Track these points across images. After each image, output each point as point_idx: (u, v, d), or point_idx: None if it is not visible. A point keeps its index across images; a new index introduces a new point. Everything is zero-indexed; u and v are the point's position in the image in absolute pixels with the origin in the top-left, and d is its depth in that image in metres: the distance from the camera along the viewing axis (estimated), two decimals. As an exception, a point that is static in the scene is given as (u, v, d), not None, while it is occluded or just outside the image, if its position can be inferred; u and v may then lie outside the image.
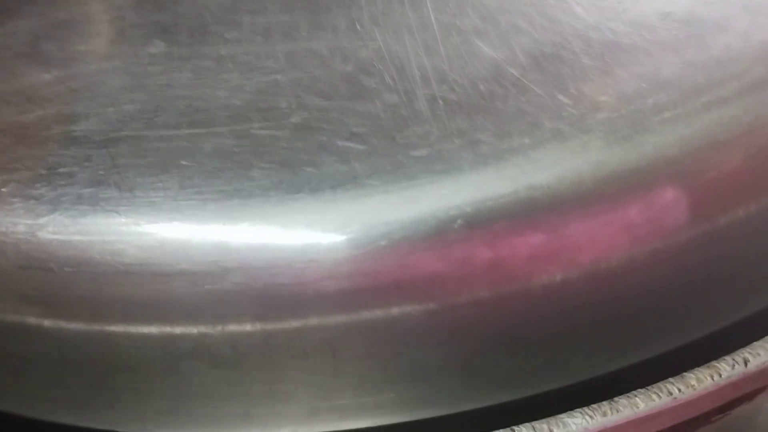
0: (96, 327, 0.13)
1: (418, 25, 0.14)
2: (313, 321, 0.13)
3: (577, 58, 0.14)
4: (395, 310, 0.13)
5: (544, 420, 0.13)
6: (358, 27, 0.14)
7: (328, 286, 0.13)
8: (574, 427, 0.13)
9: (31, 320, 0.13)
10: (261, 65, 0.14)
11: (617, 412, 0.13)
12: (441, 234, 0.12)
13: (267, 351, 0.13)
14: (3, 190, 0.13)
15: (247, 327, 0.13)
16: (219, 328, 0.13)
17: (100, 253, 0.12)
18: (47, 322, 0.13)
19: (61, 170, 0.13)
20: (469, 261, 0.12)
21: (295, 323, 0.13)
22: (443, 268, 0.13)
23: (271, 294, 0.13)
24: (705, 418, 0.15)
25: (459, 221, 0.12)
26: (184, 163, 0.13)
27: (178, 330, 0.13)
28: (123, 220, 0.12)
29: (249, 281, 0.13)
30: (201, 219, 0.12)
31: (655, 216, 0.13)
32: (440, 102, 0.13)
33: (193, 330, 0.13)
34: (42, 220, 0.13)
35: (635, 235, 0.13)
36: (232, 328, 0.13)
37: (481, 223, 0.12)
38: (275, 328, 0.13)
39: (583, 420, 0.13)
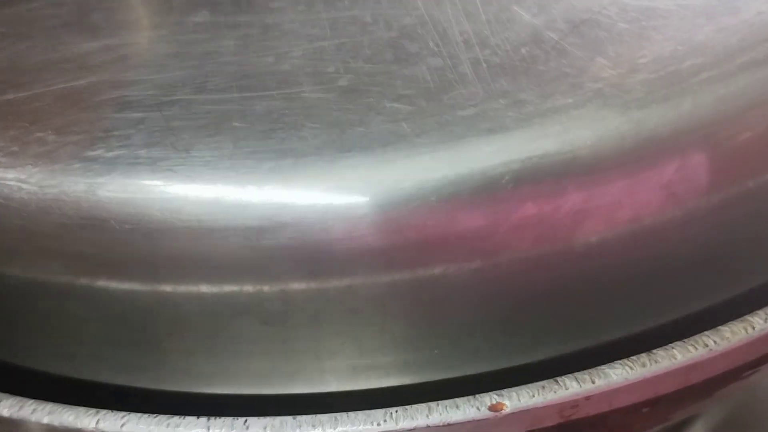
0: (150, 285, 0.14)
1: (458, -8, 0.15)
2: (363, 277, 0.13)
3: (614, 23, 0.14)
4: (442, 267, 0.13)
5: (586, 371, 0.14)
6: (399, -5, 0.15)
7: (378, 242, 0.13)
8: (615, 377, 0.14)
9: (87, 279, 0.14)
10: (306, 33, 0.14)
11: (656, 363, 0.14)
12: (488, 191, 0.13)
13: (317, 307, 0.14)
14: (62, 151, 0.13)
15: (300, 284, 0.13)
16: (272, 284, 0.13)
17: (159, 210, 0.13)
18: (103, 281, 0.14)
19: (116, 133, 0.13)
20: (515, 217, 0.13)
21: (345, 280, 0.13)
22: (490, 225, 0.13)
23: (323, 250, 0.13)
24: (737, 373, 0.15)
25: (506, 178, 0.13)
26: (236, 124, 0.13)
27: (231, 287, 0.14)
28: (180, 178, 0.13)
29: (302, 237, 0.13)
30: (255, 177, 0.13)
31: (691, 174, 0.13)
32: (483, 65, 0.14)
33: (247, 287, 0.13)
34: (101, 180, 0.13)
35: (673, 192, 0.13)
36: (285, 284, 0.13)
37: (527, 179, 0.13)
38: (326, 285, 0.13)
39: (623, 371, 0.14)
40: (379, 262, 0.13)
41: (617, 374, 0.14)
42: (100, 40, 0.15)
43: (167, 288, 0.14)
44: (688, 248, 0.14)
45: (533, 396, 0.14)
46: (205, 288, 0.14)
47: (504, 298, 0.14)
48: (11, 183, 0.13)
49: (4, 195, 0.13)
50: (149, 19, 0.15)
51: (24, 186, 0.13)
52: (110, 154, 0.13)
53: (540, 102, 0.13)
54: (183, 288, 0.14)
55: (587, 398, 0.14)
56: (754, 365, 0.15)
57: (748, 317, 0.14)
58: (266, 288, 0.13)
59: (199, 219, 0.13)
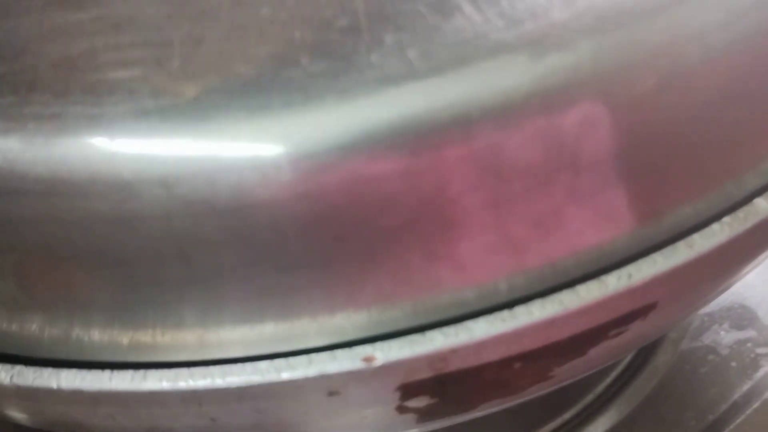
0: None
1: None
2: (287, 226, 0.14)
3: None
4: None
5: (451, 326, 0.15)
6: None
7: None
8: (477, 331, 0.15)
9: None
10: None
11: (514, 318, 0.15)
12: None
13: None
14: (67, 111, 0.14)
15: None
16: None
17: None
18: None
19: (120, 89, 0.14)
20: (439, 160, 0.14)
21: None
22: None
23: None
24: (602, 331, 0.16)
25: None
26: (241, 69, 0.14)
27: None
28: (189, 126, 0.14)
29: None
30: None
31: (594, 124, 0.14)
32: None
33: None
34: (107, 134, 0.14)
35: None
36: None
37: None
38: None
39: (485, 325, 0.15)
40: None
41: (479, 328, 0.15)
42: (88, 12, 0.15)
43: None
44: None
45: (402, 348, 0.15)
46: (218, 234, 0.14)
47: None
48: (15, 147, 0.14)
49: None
50: None
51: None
52: (119, 108, 0.14)
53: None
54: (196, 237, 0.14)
55: (453, 351, 0.15)
56: (618, 324, 0.16)
57: (602, 277, 0.15)
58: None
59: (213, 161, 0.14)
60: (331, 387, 0.16)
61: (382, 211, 0.14)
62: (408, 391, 0.16)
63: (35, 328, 0.16)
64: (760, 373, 0.30)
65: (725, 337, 0.31)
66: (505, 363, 0.16)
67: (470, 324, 0.15)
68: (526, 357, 0.16)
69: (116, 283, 0.15)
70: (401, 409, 0.17)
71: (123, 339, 0.16)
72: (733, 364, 0.30)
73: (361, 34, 0.14)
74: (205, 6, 0.15)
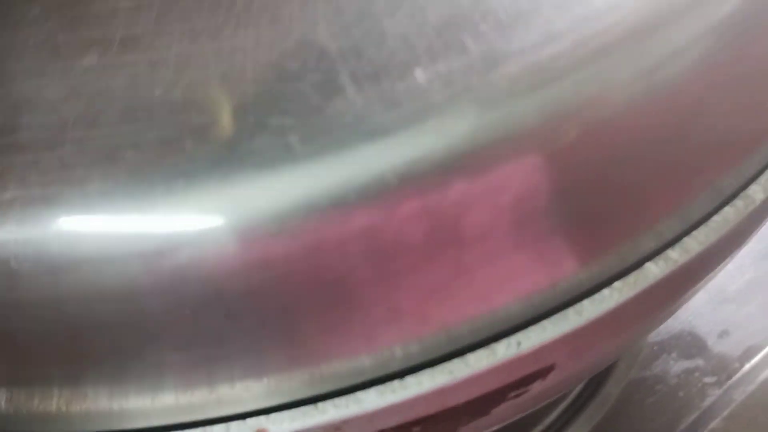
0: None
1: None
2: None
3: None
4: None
5: (343, 397, 0.15)
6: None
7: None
8: (367, 403, 0.15)
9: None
10: (192, 63, 0.15)
11: (404, 389, 0.15)
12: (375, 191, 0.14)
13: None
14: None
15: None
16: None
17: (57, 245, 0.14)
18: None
19: (10, 176, 0.15)
20: (404, 213, 0.14)
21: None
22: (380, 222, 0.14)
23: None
24: (501, 394, 0.17)
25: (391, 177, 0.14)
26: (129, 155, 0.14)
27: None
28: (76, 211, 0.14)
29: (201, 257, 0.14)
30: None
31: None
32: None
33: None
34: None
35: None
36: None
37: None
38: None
39: (376, 396, 0.15)
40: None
41: (370, 400, 0.15)
42: None
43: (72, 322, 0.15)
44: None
45: (294, 420, 0.15)
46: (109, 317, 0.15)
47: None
48: None
49: None
50: (37, 68, 0.16)
51: None
52: (6, 196, 0.14)
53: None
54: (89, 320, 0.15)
55: (345, 422, 0.16)
56: (516, 386, 0.17)
57: (492, 345, 0.16)
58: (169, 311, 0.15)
59: (98, 249, 0.14)
60: (229, 457, 0.16)
61: (271, 290, 0.15)
62: (307, 457, 0.17)
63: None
64: (707, 403, 0.30)
65: (674, 366, 0.31)
66: (403, 428, 0.17)
67: (361, 395, 0.15)
68: (424, 421, 0.17)
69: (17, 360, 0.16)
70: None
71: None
72: (681, 393, 0.30)
73: (246, 116, 0.15)
74: (100, 87, 0.16)
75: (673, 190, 0.17)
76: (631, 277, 0.16)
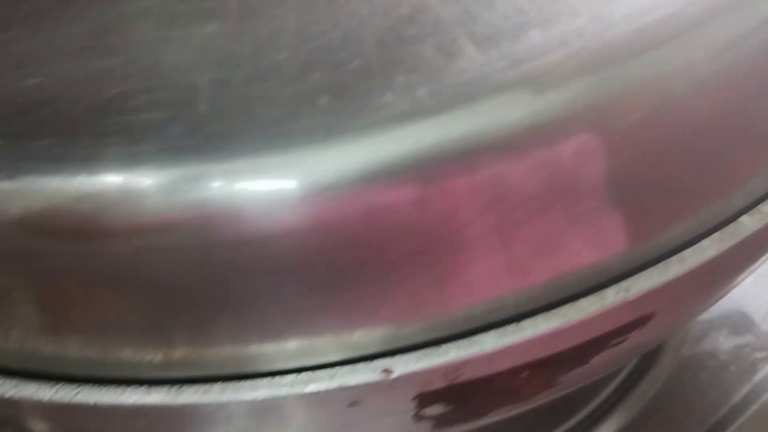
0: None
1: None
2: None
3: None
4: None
5: (463, 339, 0.16)
6: None
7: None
8: (487, 344, 0.16)
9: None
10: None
11: (521, 331, 0.16)
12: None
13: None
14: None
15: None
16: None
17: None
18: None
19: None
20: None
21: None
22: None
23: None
24: (603, 341, 0.18)
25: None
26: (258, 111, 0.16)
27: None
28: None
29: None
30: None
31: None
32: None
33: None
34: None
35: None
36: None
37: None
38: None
39: (495, 338, 0.16)
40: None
41: (490, 341, 0.16)
42: (116, 58, 0.17)
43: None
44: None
45: (417, 360, 0.16)
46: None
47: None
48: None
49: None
50: (161, 36, 0.17)
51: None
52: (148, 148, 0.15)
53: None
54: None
55: (466, 362, 0.17)
56: (618, 334, 0.18)
57: (602, 291, 0.17)
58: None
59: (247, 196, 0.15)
60: (352, 398, 0.17)
61: (397, 239, 0.16)
62: (424, 400, 0.17)
63: (74, 349, 0.18)
64: (758, 376, 0.31)
65: (724, 342, 0.32)
66: (514, 372, 0.17)
67: (481, 337, 0.16)
68: (533, 366, 0.18)
69: (155, 305, 0.17)
70: (418, 417, 0.18)
71: (157, 356, 0.17)
72: (732, 368, 0.31)
73: (373, 76, 0.16)
74: (225, 53, 0.17)
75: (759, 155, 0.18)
76: (729, 229, 0.17)
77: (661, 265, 0.17)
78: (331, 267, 0.16)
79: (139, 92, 0.16)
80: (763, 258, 0.19)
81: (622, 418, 0.31)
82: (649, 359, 0.32)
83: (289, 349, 0.17)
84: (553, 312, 0.17)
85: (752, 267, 0.19)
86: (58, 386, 0.17)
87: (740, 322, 0.33)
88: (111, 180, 0.15)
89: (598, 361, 0.19)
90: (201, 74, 0.16)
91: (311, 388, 0.16)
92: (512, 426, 0.29)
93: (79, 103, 0.16)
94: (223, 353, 0.17)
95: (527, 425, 0.31)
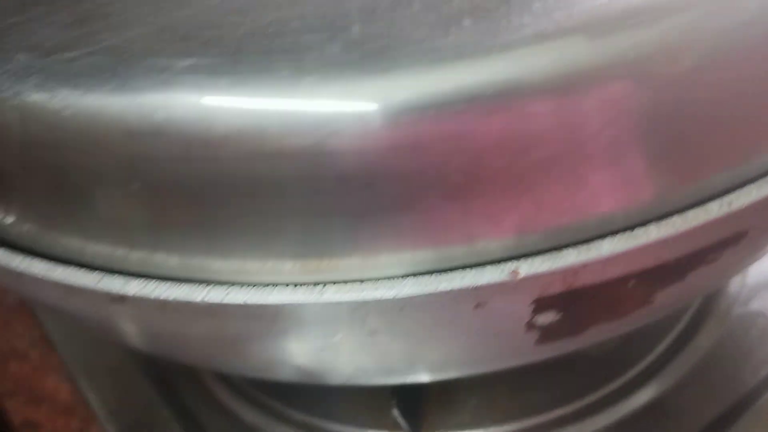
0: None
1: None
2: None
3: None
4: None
5: (582, 244, 0.18)
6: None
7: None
8: (605, 247, 0.18)
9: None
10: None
11: (634, 238, 0.18)
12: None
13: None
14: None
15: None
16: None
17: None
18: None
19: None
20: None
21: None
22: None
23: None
24: (701, 255, 0.19)
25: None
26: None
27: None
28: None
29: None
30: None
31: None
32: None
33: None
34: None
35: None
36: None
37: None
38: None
39: (611, 243, 0.18)
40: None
41: (606, 246, 0.18)
42: None
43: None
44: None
45: (542, 263, 0.18)
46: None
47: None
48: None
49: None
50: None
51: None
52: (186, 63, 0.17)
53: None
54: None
55: (584, 266, 0.18)
56: (715, 249, 0.20)
57: (707, 204, 0.18)
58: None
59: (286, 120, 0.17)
60: (479, 298, 0.19)
61: (533, 147, 0.17)
62: (541, 305, 0.19)
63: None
64: (807, 332, 0.33)
65: (772, 302, 0.34)
66: (623, 281, 0.19)
67: (599, 243, 0.18)
68: (640, 275, 0.19)
69: (301, 212, 0.18)
70: (529, 326, 0.20)
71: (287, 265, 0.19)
72: (782, 325, 0.33)
73: (511, 1, 0.18)
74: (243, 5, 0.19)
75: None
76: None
77: (759, 182, 0.19)
78: (469, 175, 0.18)
79: (295, 18, 0.18)
80: None
81: (678, 370, 0.33)
82: (701, 317, 0.34)
83: (423, 256, 0.19)
84: (663, 222, 0.18)
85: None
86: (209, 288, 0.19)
87: (788, 284, 0.35)
88: (275, 90, 0.17)
89: (694, 278, 0.20)
90: (349, 1, 0.18)
91: (443, 286, 0.18)
92: (572, 379, 0.31)
93: (239, 27, 0.18)
94: (372, 257, 0.19)
95: (592, 376, 0.32)
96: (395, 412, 0.31)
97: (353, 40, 0.17)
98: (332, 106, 0.17)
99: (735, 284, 0.35)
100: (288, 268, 0.19)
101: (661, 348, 0.33)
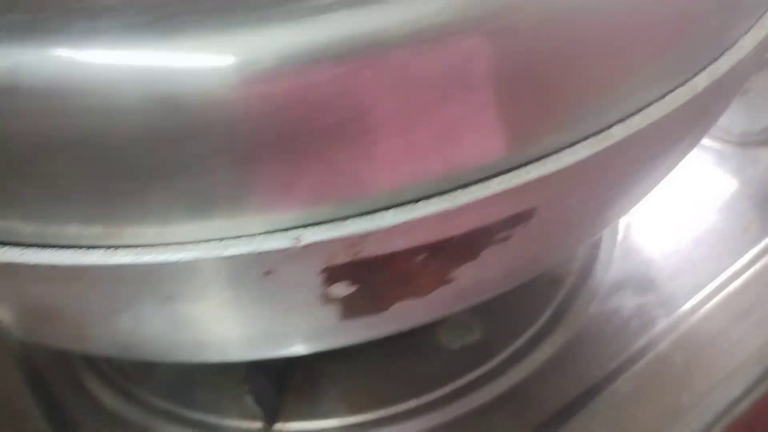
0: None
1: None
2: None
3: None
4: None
5: (367, 216, 0.19)
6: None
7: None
8: (387, 220, 0.19)
9: None
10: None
11: (413, 211, 0.19)
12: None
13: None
14: None
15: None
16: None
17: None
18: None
19: None
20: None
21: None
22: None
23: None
24: (489, 232, 0.20)
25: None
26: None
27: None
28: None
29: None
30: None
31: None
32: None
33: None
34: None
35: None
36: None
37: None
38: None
39: (392, 215, 0.19)
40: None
41: (388, 217, 0.19)
42: None
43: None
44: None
45: (325, 231, 0.19)
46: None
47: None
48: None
49: None
50: None
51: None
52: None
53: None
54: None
55: (366, 236, 0.19)
56: (502, 227, 0.20)
57: (488, 181, 0.19)
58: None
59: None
60: (267, 265, 0.19)
61: (315, 116, 0.18)
62: (331, 275, 0.20)
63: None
64: (656, 330, 0.34)
65: (628, 301, 0.35)
66: (410, 253, 0.20)
67: (381, 214, 0.19)
68: (427, 249, 0.20)
69: (96, 173, 0.19)
70: (325, 299, 0.21)
71: (97, 229, 0.20)
72: (633, 323, 0.34)
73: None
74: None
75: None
76: (600, 137, 0.20)
77: (540, 162, 0.20)
78: (257, 137, 0.18)
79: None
80: (632, 173, 0.22)
81: (536, 362, 0.34)
82: (560, 315, 0.35)
83: (215, 224, 0.19)
84: (445, 196, 0.19)
85: (623, 181, 0.22)
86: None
87: (643, 285, 0.36)
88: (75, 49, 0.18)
89: (488, 257, 0.21)
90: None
91: (230, 251, 0.19)
92: (431, 370, 0.31)
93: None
94: (156, 222, 0.19)
95: (452, 366, 0.33)
96: (248, 399, 0.31)
97: (148, 5, 0.18)
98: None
99: (595, 281, 0.36)
100: (89, 232, 0.20)
101: (520, 342, 0.34)
